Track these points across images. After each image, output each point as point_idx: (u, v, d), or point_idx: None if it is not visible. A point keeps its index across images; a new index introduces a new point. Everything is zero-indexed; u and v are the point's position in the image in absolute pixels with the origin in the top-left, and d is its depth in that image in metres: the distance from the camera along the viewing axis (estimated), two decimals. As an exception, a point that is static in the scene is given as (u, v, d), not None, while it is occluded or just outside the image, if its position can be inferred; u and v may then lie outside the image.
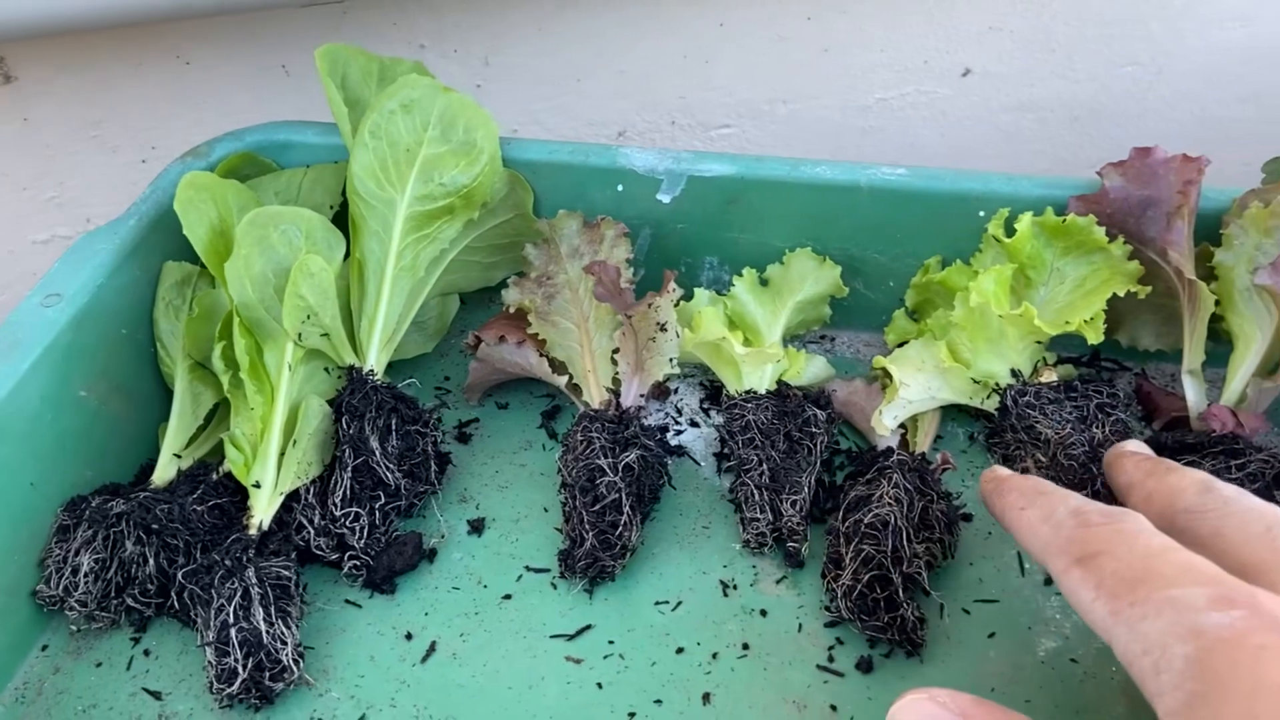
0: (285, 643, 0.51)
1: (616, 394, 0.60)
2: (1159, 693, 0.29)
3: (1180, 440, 0.53)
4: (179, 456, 0.59)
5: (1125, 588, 0.31)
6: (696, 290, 0.65)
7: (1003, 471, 0.46)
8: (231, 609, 0.51)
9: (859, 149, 1.09)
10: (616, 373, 0.61)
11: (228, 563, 0.52)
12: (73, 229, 0.91)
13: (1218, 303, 0.55)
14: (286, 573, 0.53)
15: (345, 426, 0.57)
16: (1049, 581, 0.54)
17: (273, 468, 0.56)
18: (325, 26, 0.85)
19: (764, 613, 0.54)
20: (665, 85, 0.98)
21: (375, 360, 0.60)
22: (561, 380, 0.61)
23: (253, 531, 0.55)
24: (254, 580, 0.52)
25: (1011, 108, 1.09)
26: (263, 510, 0.55)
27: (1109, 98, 1.10)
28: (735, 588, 0.55)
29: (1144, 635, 0.30)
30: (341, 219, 0.64)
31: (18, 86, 0.82)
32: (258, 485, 0.56)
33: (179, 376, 0.60)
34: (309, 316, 0.57)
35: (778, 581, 0.55)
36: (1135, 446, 0.49)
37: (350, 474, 0.56)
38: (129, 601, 0.54)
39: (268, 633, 0.50)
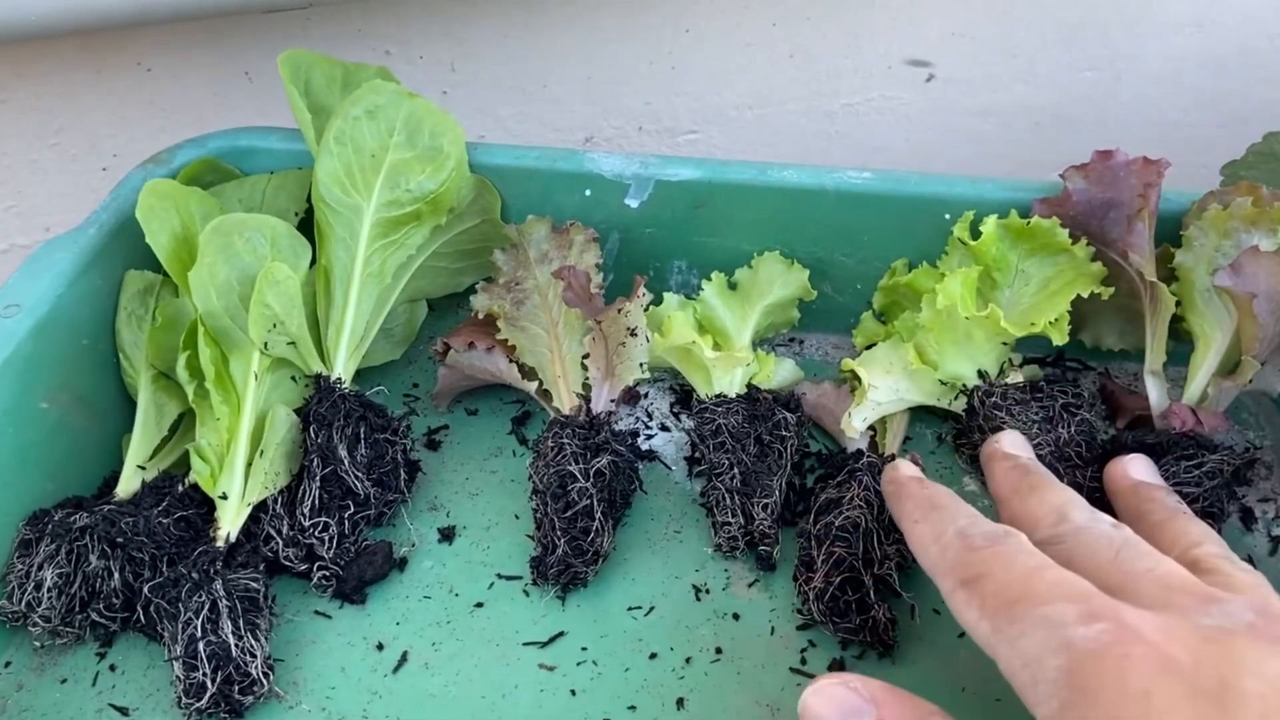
0: (254, 655, 0.50)
1: (587, 399, 0.60)
2: (1037, 702, 0.31)
3: (1141, 440, 0.54)
4: (143, 468, 0.58)
5: (1004, 606, 0.34)
6: (665, 294, 0.65)
7: (904, 472, 0.48)
8: (199, 622, 0.50)
9: (825, 153, 1.09)
10: (586, 378, 0.60)
11: (195, 575, 0.51)
12: (31, 238, 0.90)
13: (1179, 303, 0.56)
14: (255, 584, 0.53)
15: (313, 435, 0.57)
16: (1018, 581, 0.55)
17: (239, 478, 0.55)
18: (289, 33, 0.84)
19: (736, 616, 0.54)
20: (632, 91, 0.98)
21: (343, 368, 0.60)
22: (531, 386, 0.61)
23: (220, 544, 0.54)
24: (222, 593, 0.51)
25: (975, 112, 1.10)
26: (230, 522, 0.55)
27: (1070, 102, 1.12)
28: (708, 592, 0.55)
29: (1022, 651, 0.32)
30: (306, 226, 0.63)
31: (-27, 94, 0.80)
32: (224, 496, 0.55)
33: (142, 387, 0.60)
34: (275, 325, 0.57)
35: (749, 585, 0.55)
36: (1009, 446, 0.50)
37: (318, 483, 0.55)
38: (94, 616, 0.53)
39: (236, 646, 0.50)
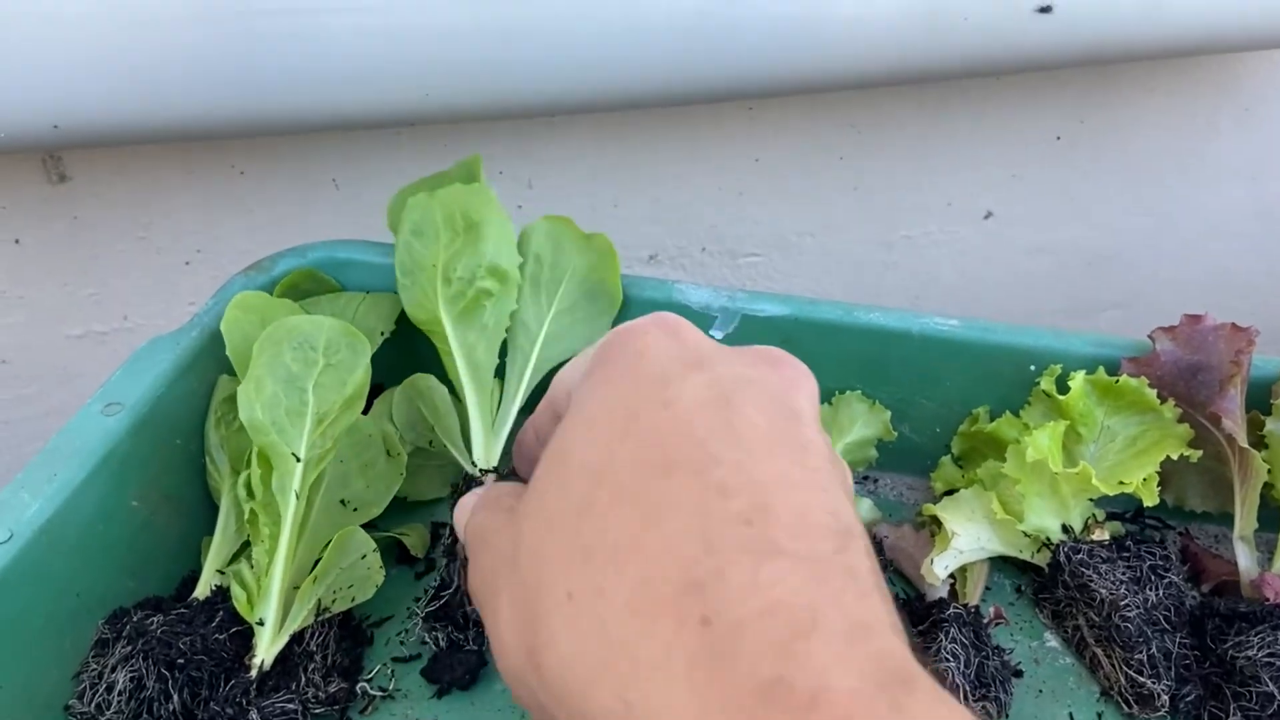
0: (312, 771, 0.49)
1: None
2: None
3: (1233, 608, 0.54)
4: (222, 572, 0.58)
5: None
6: (749, 428, 0.65)
7: None
8: None
9: (879, 282, 1.11)
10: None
11: (229, 712, 0.51)
12: (108, 325, 0.91)
13: (1270, 470, 0.56)
14: (291, 705, 0.52)
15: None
16: (1103, 745, 0.54)
17: (274, 604, 0.54)
18: (379, 146, 0.87)
19: (815, 765, 0.53)
20: (698, 214, 1.00)
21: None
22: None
23: (253, 673, 0.53)
24: None
25: (1029, 250, 1.12)
26: (265, 650, 0.53)
27: (1122, 244, 1.14)
28: (785, 736, 0.54)
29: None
30: (397, 344, 0.64)
31: (71, 186, 0.83)
32: (261, 623, 0.54)
33: (225, 491, 0.60)
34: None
35: (828, 732, 0.54)
36: None
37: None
38: None
39: (293, 768, 0.49)
